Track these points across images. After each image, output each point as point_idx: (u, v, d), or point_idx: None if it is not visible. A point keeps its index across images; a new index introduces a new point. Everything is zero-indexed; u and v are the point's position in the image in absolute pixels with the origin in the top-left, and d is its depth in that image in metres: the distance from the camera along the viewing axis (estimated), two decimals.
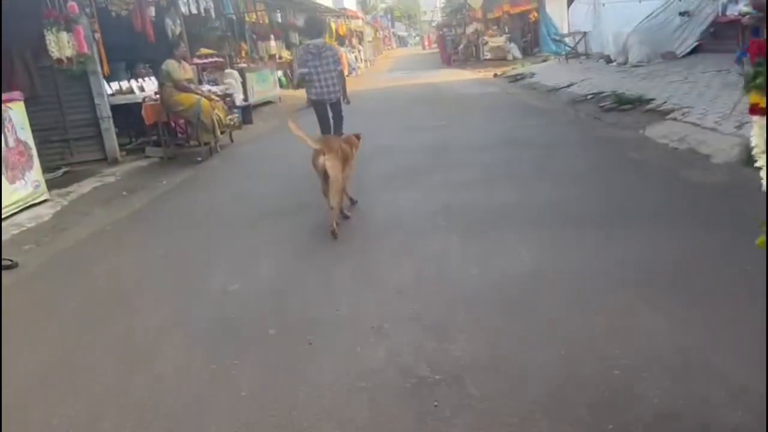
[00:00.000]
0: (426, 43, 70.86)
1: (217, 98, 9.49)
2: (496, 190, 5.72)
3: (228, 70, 13.27)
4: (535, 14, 28.28)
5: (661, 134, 7.46)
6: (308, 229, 5.23)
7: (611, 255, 3.96)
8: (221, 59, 14.28)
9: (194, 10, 12.93)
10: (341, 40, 33.53)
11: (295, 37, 20.29)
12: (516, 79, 17.73)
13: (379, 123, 11.02)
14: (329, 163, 5.00)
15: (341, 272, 4.19)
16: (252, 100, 15.28)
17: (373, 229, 5.07)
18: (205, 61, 13.28)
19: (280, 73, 21.67)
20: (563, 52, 24.04)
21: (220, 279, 4.25)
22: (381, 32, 73.94)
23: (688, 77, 10.70)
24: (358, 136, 5.82)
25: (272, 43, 20.08)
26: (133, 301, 4.08)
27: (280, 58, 17.79)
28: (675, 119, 7.94)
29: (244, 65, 15.64)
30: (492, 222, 4.81)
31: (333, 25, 30.21)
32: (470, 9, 31.23)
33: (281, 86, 21.09)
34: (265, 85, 16.79)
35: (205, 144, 9.25)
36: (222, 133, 9.78)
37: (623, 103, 9.72)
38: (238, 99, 13.10)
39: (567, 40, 19.23)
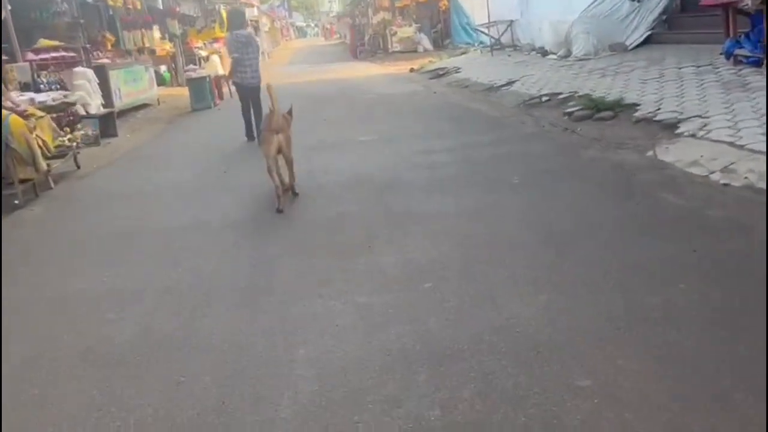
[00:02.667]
0: (329, 34, 68.03)
1: (41, 112, 6.41)
2: (500, 294, 3.21)
3: (79, 69, 10.05)
4: (446, 2, 26.36)
5: (687, 159, 5.27)
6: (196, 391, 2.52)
7: None
8: (73, 54, 10.98)
9: None
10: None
11: (174, 26, 16.98)
12: (438, 74, 15.47)
13: None
14: (285, 141, 5.22)
15: None
16: (118, 106, 12.11)
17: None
18: (45, 56, 9.98)
19: (163, 68, 18.33)
20: (476, 43, 22.20)
21: None
22: (278, 22, 70.16)
23: (663, 74, 8.72)
24: (290, 112, 5.72)
25: (156, 33, 16.77)
26: None
27: (153, 51, 14.47)
28: (694, 136, 5.80)
29: (107, 60, 12.36)
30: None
31: (224, 13, 26.82)
32: None
33: (164, 84, 17.79)
34: (137, 84, 13.57)
35: (23, 181, 6.19)
36: (52, 158, 6.74)
37: (599, 108, 7.57)
38: (94, 106, 9.96)
39: (491, 30, 17.15)
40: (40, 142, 6.09)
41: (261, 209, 5.39)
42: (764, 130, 5.34)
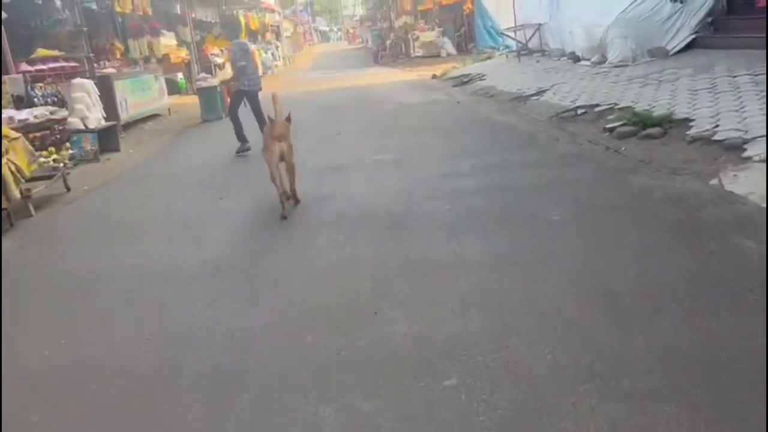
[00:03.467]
0: (352, 38, 67.57)
1: (15, 133, 5.73)
2: (548, 401, 2.38)
3: (77, 80, 9.42)
4: (470, 5, 25.52)
5: (763, 191, 4.38)
6: None
7: None
8: (74, 64, 10.39)
9: None
10: (254, 35, 29.64)
11: (185, 33, 16.39)
12: (462, 81, 14.61)
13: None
14: (287, 149, 5.32)
15: None
16: (124, 118, 11.51)
17: None
18: (42, 67, 9.38)
19: (180, 75, 17.76)
20: (501, 48, 21.30)
21: None
22: (301, 27, 69.89)
23: (715, 84, 7.78)
24: (288, 119, 5.68)
25: (171, 40, 16.18)
26: None
27: (163, 59, 13.76)
28: None
29: (112, 70, 11.76)
30: None
31: (242, 19, 26.31)
32: (400, 0, 28.06)
33: (179, 92, 17.22)
34: (145, 94, 12.95)
35: None
36: (35, 180, 6.07)
37: (645, 124, 6.68)
38: (93, 119, 9.32)
39: (517, 34, 16.25)
40: (12, 168, 5.40)
41: (253, 249, 4.63)
42: None
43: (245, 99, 8.55)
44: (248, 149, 8.41)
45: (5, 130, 5.51)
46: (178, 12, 18.06)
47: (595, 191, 5.09)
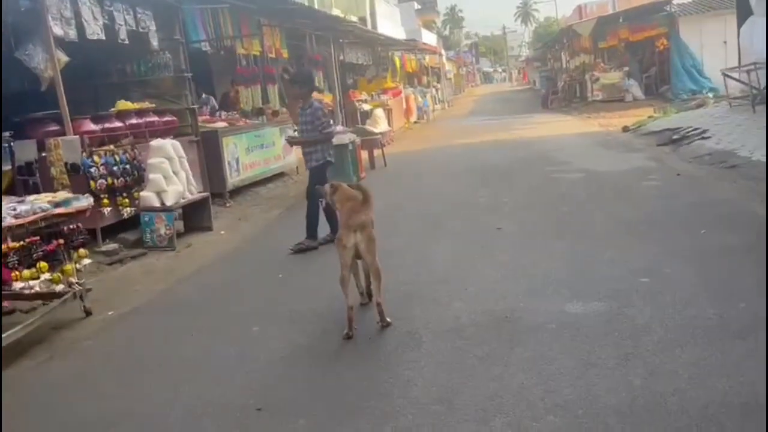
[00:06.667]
0: (522, 78, 64.70)
1: None
2: None
3: (156, 143, 7.20)
4: (665, 41, 21.25)
5: None
6: None
7: None
8: (170, 117, 8.30)
9: (98, 33, 6.99)
10: (410, 78, 27.56)
11: (319, 78, 14.15)
12: (671, 139, 10.78)
13: (414, 275, 4.50)
14: (364, 244, 3.86)
15: None
16: (233, 182, 9.36)
17: None
18: (117, 125, 7.29)
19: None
20: (705, 91, 17.58)
21: None
22: (464, 68, 68.02)
23: None
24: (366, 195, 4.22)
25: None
26: None
27: (275, 111, 11.26)
28: None
29: (222, 124, 9.62)
30: None
31: (398, 61, 24.24)
32: (576, 37, 24.41)
33: None
34: (266, 151, 10.75)
35: None
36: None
37: None
38: (172, 193, 7.04)
39: (750, 75, 12.05)
40: None
41: None
42: None
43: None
44: (314, 248, 6.22)
45: None
46: (325, 55, 16.07)
47: None
